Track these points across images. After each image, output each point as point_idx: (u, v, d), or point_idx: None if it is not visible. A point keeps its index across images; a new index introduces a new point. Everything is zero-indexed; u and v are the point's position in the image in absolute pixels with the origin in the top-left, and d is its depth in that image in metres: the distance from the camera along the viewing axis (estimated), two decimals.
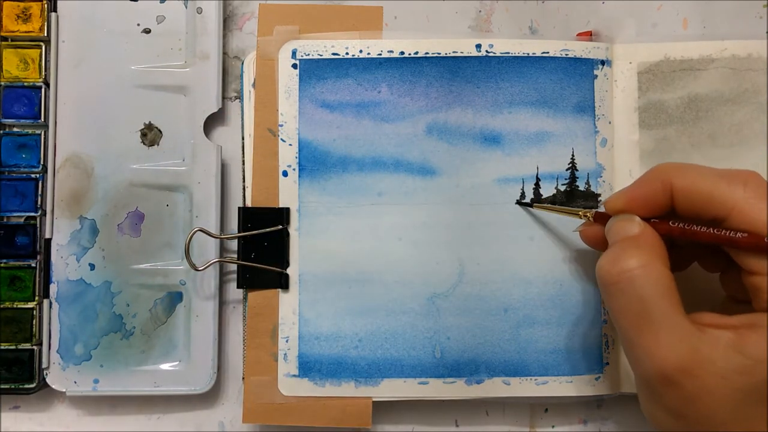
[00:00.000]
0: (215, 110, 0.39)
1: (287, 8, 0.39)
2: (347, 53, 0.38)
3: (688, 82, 0.39)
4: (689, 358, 0.28)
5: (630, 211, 0.32)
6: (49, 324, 0.38)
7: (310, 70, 0.38)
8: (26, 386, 0.38)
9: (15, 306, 0.38)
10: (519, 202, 0.38)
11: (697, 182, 0.30)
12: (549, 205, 0.37)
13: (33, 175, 0.38)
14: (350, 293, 0.38)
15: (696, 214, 0.30)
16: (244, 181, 0.39)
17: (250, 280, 0.38)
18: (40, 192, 0.38)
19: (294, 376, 0.37)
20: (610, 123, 0.39)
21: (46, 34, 0.39)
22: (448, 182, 0.38)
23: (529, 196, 0.38)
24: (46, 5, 0.39)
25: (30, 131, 0.39)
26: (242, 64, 0.39)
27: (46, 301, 0.38)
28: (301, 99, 0.38)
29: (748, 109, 0.39)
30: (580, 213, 0.35)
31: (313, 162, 0.38)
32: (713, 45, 0.39)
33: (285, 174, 0.38)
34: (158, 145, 0.39)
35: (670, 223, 0.31)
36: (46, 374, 0.38)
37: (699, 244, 0.32)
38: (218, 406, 0.40)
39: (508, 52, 0.38)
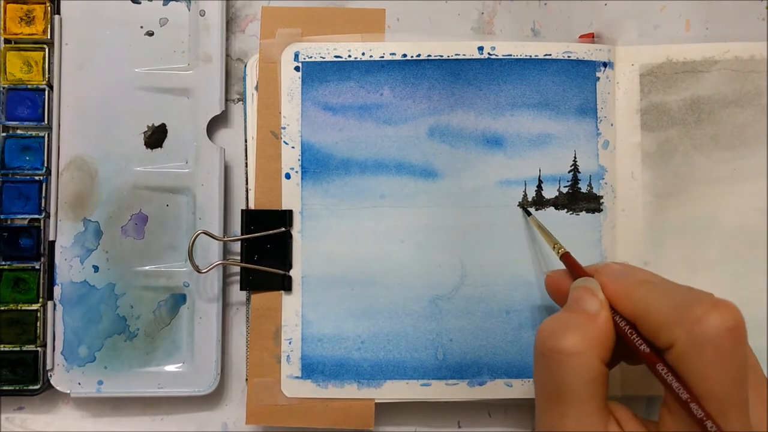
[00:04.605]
0: (218, 112, 0.39)
1: (290, 11, 0.39)
2: (350, 56, 0.38)
3: (691, 84, 0.39)
4: None
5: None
6: (53, 326, 0.38)
7: (313, 72, 0.38)
8: (30, 387, 0.38)
9: (19, 308, 0.38)
10: (522, 206, 0.38)
11: (650, 314, 0.28)
12: (538, 222, 0.37)
13: (37, 178, 0.39)
14: (353, 295, 0.38)
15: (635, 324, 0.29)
16: (247, 184, 0.39)
17: (253, 282, 0.38)
18: (43, 194, 0.38)
19: (297, 377, 0.38)
20: (612, 125, 0.39)
21: (49, 37, 0.39)
22: (450, 184, 0.38)
23: (532, 198, 0.38)
24: (49, 7, 0.39)
25: (34, 133, 0.39)
26: (245, 66, 0.39)
27: (50, 303, 0.38)
28: (303, 101, 0.38)
29: (751, 111, 0.39)
30: (555, 245, 0.34)
31: (316, 164, 0.38)
32: (716, 47, 0.39)
33: (288, 176, 0.38)
34: (161, 147, 0.39)
35: (617, 318, 0.29)
36: (50, 376, 0.38)
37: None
38: (221, 407, 0.40)
39: (510, 55, 0.38)
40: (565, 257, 0.34)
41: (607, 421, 0.28)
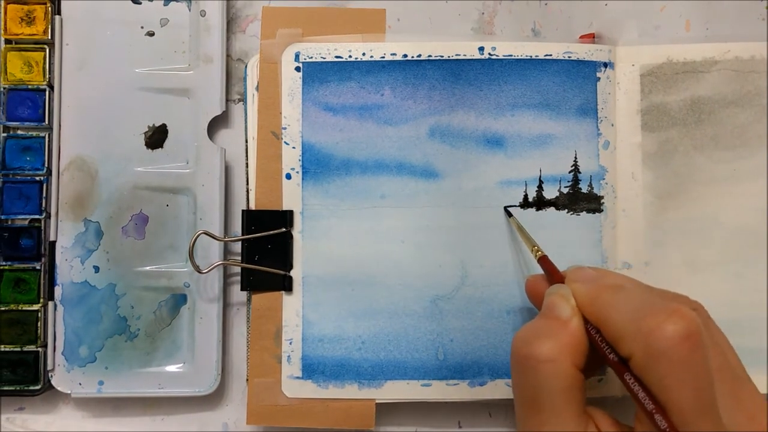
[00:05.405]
0: (219, 113, 0.39)
1: (290, 11, 0.39)
2: (350, 56, 0.38)
3: (691, 84, 0.39)
4: None
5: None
6: (54, 326, 0.38)
7: (314, 73, 0.38)
8: (31, 388, 0.38)
9: (20, 308, 0.38)
10: (505, 207, 0.38)
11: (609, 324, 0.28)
12: (518, 224, 0.37)
13: (37, 178, 0.39)
14: (353, 295, 0.38)
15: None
16: (247, 184, 0.39)
17: (254, 283, 0.38)
18: (44, 195, 0.38)
19: (297, 378, 0.38)
20: (612, 125, 0.39)
21: (50, 37, 0.39)
22: (451, 185, 0.38)
23: (532, 198, 0.38)
24: (49, 8, 0.39)
25: (34, 134, 0.39)
26: (245, 66, 0.39)
27: (50, 304, 0.38)
28: (304, 102, 0.38)
29: (751, 111, 0.39)
30: (534, 248, 0.34)
31: (317, 165, 0.38)
32: (716, 47, 0.39)
33: (288, 177, 0.38)
34: (162, 147, 0.39)
35: (588, 326, 0.29)
36: (51, 376, 0.38)
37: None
38: (222, 407, 0.40)
39: (511, 55, 0.38)
40: (543, 260, 0.33)
41: (586, 425, 0.27)
